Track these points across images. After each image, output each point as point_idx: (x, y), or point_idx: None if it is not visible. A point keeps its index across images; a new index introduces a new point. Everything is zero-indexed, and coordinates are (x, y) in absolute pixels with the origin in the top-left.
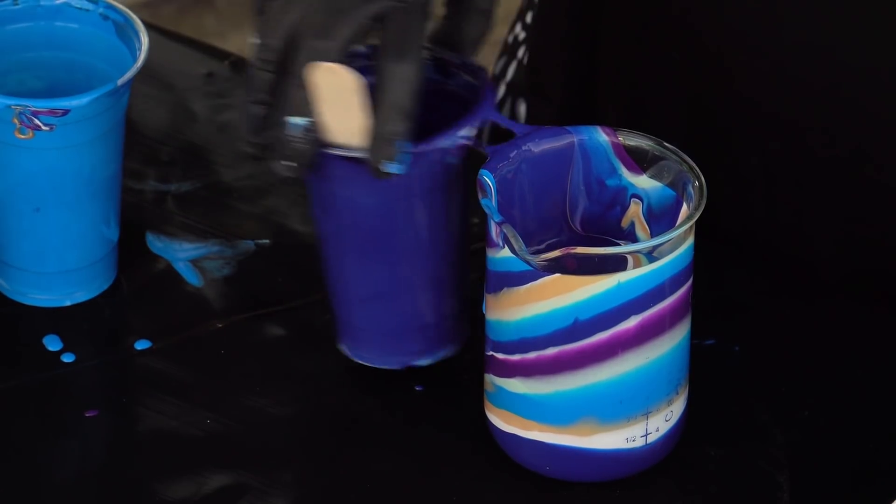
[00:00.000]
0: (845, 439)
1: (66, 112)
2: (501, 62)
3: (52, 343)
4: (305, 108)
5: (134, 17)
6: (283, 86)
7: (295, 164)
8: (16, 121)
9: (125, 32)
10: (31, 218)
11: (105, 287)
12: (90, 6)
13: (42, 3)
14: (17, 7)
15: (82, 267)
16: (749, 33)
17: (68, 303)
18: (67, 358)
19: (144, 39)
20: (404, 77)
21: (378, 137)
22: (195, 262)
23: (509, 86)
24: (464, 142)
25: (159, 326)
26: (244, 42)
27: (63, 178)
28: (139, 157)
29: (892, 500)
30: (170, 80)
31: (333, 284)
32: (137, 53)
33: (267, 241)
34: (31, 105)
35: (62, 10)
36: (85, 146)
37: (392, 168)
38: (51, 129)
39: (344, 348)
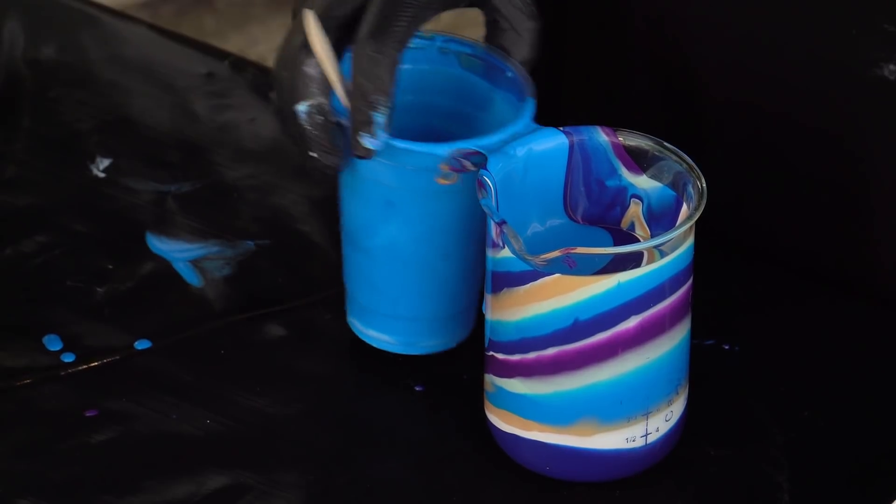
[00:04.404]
0: (845, 439)
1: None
2: None
3: (52, 343)
4: (304, 91)
5: (476, 42)
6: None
7: (317, 154)
8: (447, 167)
9: (470, 62)
10: (439, 265)
11: (464, 337)
12: (425, 43)
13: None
14: None
15: (455, 313)
16: (720, 34)
17: (434, 350)
18: (67, 358)
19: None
20: (377, 62)
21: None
22: (195, 262)
23: None
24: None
25: (159, 326)
26: (244, 42)
27: (473, 220)
28: (139, 157)
29: (892, 501)
30: (170, 80)
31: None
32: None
33: (267, 241)
34: (467, 147)
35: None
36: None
37: (368, 144)
38: (475, 169)
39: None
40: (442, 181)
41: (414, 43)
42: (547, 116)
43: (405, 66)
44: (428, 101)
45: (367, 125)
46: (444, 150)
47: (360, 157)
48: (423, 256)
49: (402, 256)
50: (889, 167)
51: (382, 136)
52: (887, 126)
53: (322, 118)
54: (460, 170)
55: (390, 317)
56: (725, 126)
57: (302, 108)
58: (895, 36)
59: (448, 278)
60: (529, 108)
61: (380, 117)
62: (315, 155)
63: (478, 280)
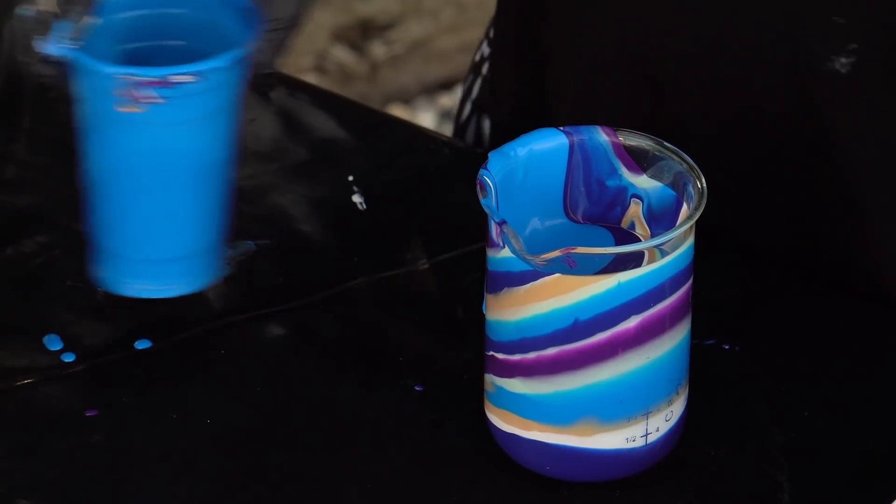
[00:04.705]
0: (845, 439)
1: (168, 83)
2: (468, 80)
3: (52, 343)
4: None
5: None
6: None
7: (27, 60)
8: (124, 93)
9: (249, 15)
10: (142, 201)
11: (191, 289)
12: None
13: None
14: None
15: (185, 256)
16: (700, 45)
17: (169, 294)
18: (67, 358)
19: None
20: None
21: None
22: None
23: (475, 103)
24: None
25: (159, 326)
26: None
27: (170, 157)
28: None
29: (893, 501)
30: None
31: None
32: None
33: (267, 241)
34: (138, 75)
35: None
36: (192, 123)
37: (47, 48)
38: (163, 101)
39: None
40: (122, 109)
41: None
42: (542, 117)
43: (172, 11)
44: (194, 48)
45: (47, 29)
46: (112, 70)
47: (42, 64)
48: (124, 190)
49: (110, 187)
50: (880, 165)
51: (64, 44)
52: (872, 122)
53: (31, 24)
54: (136, 98)
55: (107, 254)
56: (718, 125)
57: (20, 11)
58: (845, 28)
59: (153, 217)
60: (233, 53)
61: (64, 25)
62: (25, 60)
63: (202, 225)
